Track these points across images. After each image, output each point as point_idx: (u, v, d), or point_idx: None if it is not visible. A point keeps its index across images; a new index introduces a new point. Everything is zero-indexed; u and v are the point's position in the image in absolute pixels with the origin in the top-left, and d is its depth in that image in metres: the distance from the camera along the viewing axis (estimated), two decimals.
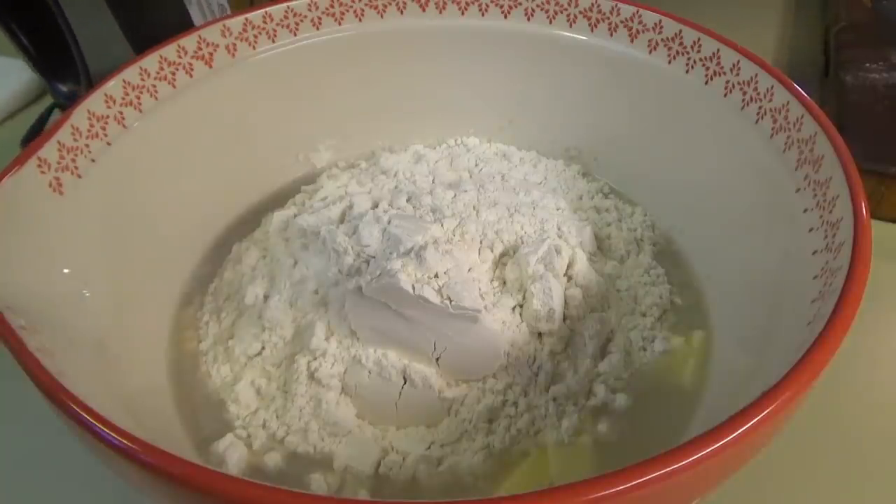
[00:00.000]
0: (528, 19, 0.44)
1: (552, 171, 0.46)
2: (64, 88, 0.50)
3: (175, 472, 0.19)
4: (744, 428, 0.20)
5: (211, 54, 0.41)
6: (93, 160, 0.34)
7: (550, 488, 0.18)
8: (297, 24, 0.43)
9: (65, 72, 0.49)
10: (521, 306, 0.34)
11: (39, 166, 0.31)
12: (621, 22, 0.41)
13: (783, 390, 0.21)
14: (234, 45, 0.41)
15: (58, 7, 0.45)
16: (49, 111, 0.59)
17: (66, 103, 0.52)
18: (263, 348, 0.35)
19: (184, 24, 0.48)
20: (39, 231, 0.30)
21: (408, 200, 0.39)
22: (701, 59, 0.38)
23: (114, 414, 0.22)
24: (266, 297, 0.36)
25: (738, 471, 0.22)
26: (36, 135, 0.57)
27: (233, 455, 0.31)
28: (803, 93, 0.33)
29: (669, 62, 0.40)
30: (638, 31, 0.41)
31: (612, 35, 0.42)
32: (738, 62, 0.36)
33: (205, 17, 0.49)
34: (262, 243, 0.40)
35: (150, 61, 0.38)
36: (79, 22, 0.46)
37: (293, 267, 0.37)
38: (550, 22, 0.44)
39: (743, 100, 0.36)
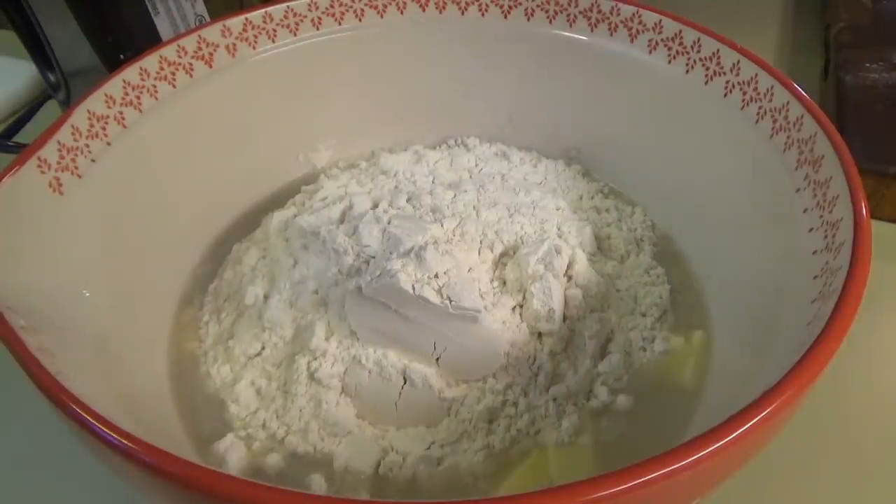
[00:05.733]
0: (528, 19, 0.44)
1: (552, 171, 0.46)
2: (52, 78, 0.50)
3: (175, 472, 0.19)
4: (744, 428, 0.20)
5: (211, 54, 0.41)
6: (93, 160, 0.34)
7: (550, 488, 0.18)
8: (297, 24, 0.43)
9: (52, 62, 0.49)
10: (521, 306, 0.34)
11: (39, 166, 0.31)
12: (621, 22, 0.41)
13: (783, 390, 0.21)
14: (234, 45, 0.41)
15: (28, 6, 0.45)
16: (40, 104, 0.59)
17: (53, 94, 0.52)
18: (263, 348, 0.35)
19: (150, 35, 0.47)
20: (39, 231, 0.30)
21: (408, 200, 0.39)
22: (701, 59, 0.38)
23: (114, 414, 0.22)
24: (266, 298, 0.36)
25: (738, 471, 0.22)
26: (21, 127, 0.57)
27: (233, 455, 0.31)
28: (803, 93, 0.33)
29: (669, 62, 0.40)
30: (638, 31, 0.41)
31: (612, 35, 0.42)
32: (738, 62, 0.36)
33: (176, 28, 0.49)
34: (262, 243, 0.40)
35: (150, 61, 0.38)
36: (47, 22, 0.46)
37: (293, 267, 0.37)
38: (550, 22, 0.44)
39: (743, 100, 0.36)
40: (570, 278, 0.36)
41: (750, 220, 0.35)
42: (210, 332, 0.37)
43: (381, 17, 0.45)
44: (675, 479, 0.19)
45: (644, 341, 0.36)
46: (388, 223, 0.36)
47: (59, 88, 0.50)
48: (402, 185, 0.42)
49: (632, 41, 0.41)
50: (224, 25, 0.41)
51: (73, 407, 0.21)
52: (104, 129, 0.35)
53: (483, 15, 0.45)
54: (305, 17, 0.43)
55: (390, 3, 0.44)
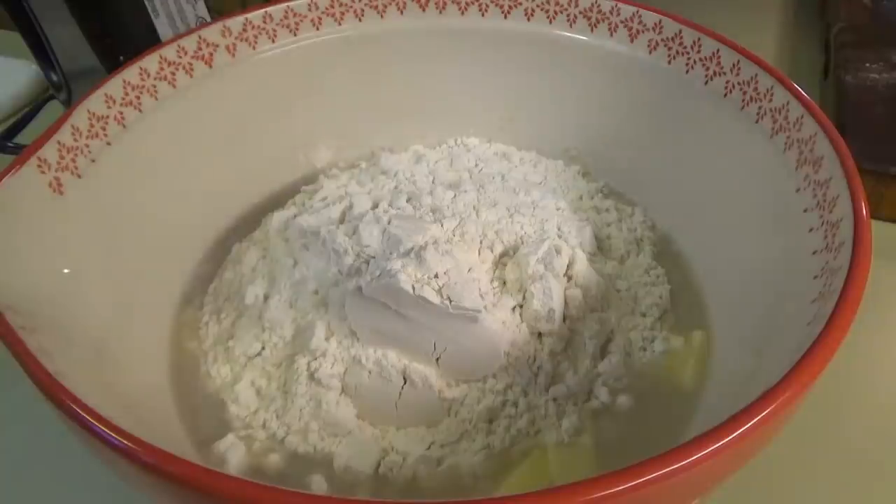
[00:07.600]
0: (528, 19, 0.44)
1: (552, 171, 0.46)
2: (55, 78, 0.50)
3: (175, 472, 0.19)
4: (744, 428, 0.20)
5: (211, 54, 0.41)
6: (93, 160, 0.34)
7: (550, 488, 0.18)
8: (297, 24, 0.43)
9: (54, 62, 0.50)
10: (521, 306, 0.34)
11: (39, 166, 0.31)
12: (621, 22, 0.41)
13: (783, 390, 0.21)
14: (234, 45, 0.41)
15: (29, 8, 0.46)
16: (40, 106, 0.59)
17: (56, 94, 0.52)
18: (263, 348, 0.35)
19: (149, 37, 0.48)
20: (39, 231, 0.30)
21: (408, 200, 0.39)
22: (701, 59, 0.38)
23: (114, 414, 0.22)
24: (266, 298, 0.36)
25: (738, 471, 0.22)
26: (22, 128, 0.58)
27: (233, 455, 0.31)
28: (803, 93, 0.33)
29: (669, 62, 0.40)
30: (638, 31, 0.41)
31: (612, 35, 0.42)
32: (738, 62, 0.36)
33: (176, 30, 0.49)
34: (262, 243, 0.40)
35: (150, 61, 0.38)
36: (49, 23, 0.47)
37: (293, 267, 0.37)
38: (550, 22, 0.44)
39: (743, 100, 0.36)
40: (570, 278, 0.36)
41: (750, 219, 0.35)
42: (210, 332, 0.37)
43: (381, 17, 0.45)
44: (675, 479, 0.19)
45: (644, 341, 0.36)
46: (388, 223, 0.36)
47: (62, 89, 0.50)
48: (402, 185, 0.42)
49: (632, 41, 0.41)
50: (224, 25, 0.41)
51: (74, 407, 0.21)
52: (104, 129, 0.35)
53: (483, 15, 0.45)
54: (305, 17, 0.43)
55: (390, 3, 0.44)
